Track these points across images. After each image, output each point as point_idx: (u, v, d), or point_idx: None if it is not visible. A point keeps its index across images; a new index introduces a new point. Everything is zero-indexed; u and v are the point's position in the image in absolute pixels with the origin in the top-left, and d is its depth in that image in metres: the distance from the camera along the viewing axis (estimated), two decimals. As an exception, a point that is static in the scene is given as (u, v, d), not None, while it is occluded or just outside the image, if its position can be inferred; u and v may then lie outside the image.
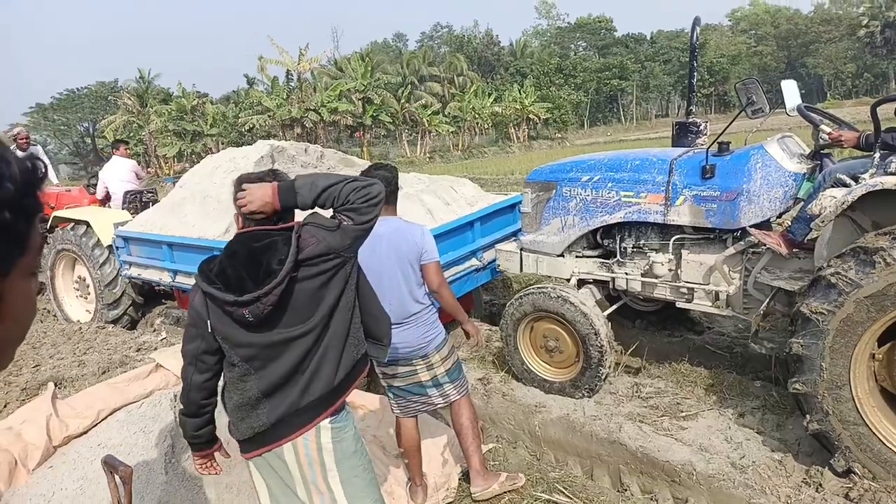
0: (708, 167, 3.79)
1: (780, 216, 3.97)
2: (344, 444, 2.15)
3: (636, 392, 4.18)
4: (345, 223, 2.05)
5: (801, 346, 3.10)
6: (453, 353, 3.30)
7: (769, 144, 3.78)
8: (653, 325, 5.34)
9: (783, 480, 3.12)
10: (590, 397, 4.14)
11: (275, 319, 2.02)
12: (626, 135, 50.91)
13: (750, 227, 3.72)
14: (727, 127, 3.77)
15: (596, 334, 4.01)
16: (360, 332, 2.22)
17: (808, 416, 3.15)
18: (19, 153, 4.57)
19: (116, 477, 1.83)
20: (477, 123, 49.89)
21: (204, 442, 2.25)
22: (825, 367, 3.04)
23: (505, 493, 3.34)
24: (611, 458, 3.62)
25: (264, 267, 1.97)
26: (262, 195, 2.02)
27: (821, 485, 3.05)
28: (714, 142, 3.92)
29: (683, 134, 4.72)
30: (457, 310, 3.26)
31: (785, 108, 3.95)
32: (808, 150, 3.92)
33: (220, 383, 2.19)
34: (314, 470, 2.11)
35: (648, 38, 78.80)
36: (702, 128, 4.72)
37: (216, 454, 2.31)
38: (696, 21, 4.66)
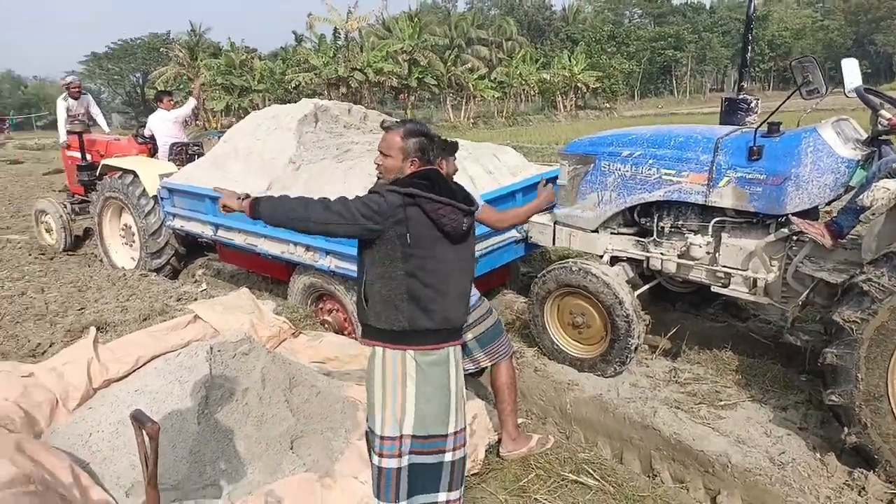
0: (755, 148, 3.64)
1: (829, 203, 3.82)
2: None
3: (674, 377, 4.09)
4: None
5: (836, 356, 3.01)
6: (484, 320, 3.28)
7: (823, 128, 3.60)
8: (694, 309, 5.20)
9: (824, 481, 3.02)
10: (621, 372, 4.10)
11: (466, 239, 2.55)
12: (677, 108, 49.21)
13: (793, 215, 3.59)
14: (779, 106, 3.59)
15: (620, 303, 3.95)
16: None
17: (846, 428, 3.06)
18: (72, 101, 4.70)
19: (144, 432, 1.89)
20: (523, 90, 48.96)
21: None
22: (861, 378, 2.94)
23: (533, 469, 3.32)
24: (642, 443, 3.58)
25: (462, 194, 2.55)
26: None
27: (864, 489, 2.94)
28: (764, 121, 3.74)
29: (732, 111, 4.57)
30: (529, 211, 3.69)
31: (843, 88, 3.76)
32: (864, 136, 3.73)
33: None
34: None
35: (708, 7, 75.81)
36: (752, 105, 4.55)
37: None
38: None
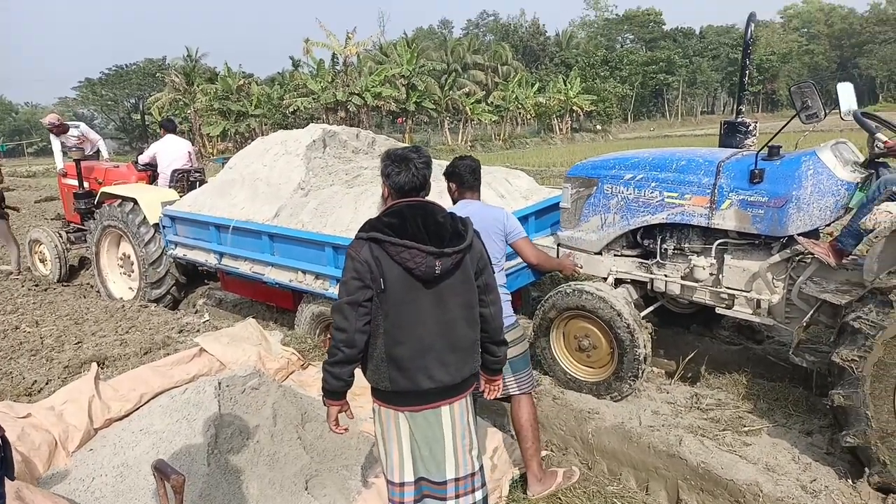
0: (757, 171, 3.67)
1: (828, 225, 3.85)
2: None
3: (695, 403, 4.02)
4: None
5: (843, 396, 3.02)
6: (520, 343, 3.23)
7: (822, 151, 3.65)
8: (708, 331, 5.17)
9: (858, 509, 2.93)
10: (635, 388, 4.07)
11: (447, 284, 2.31)
12: (670, 130, 49.74)
13: (798, 235, 3.62)
14: (780, 131, 3.64)
15: (619, 315, 3.95)
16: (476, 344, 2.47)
17: (866, 468, 3.05)
18: (53, 139, 4.54)
19: (167, 485, 1.80)
20: (520, 113, 49.44)
21: (344, 392, 2.46)
22: (871, 416, 2.95)
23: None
24: (668, 473, 3.48)
25: (451, 231, 2.30)
26: None
27: None
28: (765, 145, 3.79)
29: (731, 134, 4.59)
30: (553, 265, 3.87)
31: (839, 111, 3.82)
32: (862, 158, 3.78)
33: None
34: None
35: (697, 32, 76.95)
36: (751, 128, 4.58)
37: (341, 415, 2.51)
38: (752, 17, 4.51)
